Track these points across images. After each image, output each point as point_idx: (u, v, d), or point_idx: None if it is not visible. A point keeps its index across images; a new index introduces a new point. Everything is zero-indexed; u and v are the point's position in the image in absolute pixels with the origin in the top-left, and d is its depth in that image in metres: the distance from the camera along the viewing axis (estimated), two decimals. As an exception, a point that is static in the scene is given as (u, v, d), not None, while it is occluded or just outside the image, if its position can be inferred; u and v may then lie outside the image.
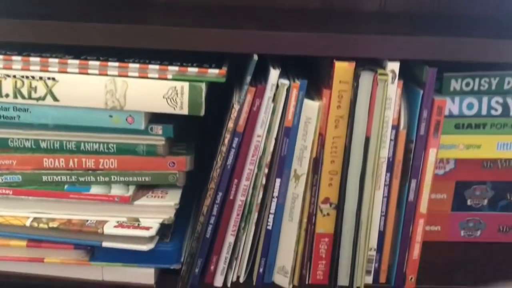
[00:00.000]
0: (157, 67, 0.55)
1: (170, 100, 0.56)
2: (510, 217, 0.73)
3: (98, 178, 0.61)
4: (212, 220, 0.60)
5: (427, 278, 0.65)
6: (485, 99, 0.65)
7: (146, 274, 0.62)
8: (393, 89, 0.57)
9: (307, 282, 0.63)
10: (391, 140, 0.59)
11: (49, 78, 0.56)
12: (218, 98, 0.62)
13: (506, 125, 0.65)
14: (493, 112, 0.65)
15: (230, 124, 0.55)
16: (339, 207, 0.60)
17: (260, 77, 0.59)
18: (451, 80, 0.65)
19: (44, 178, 0.61)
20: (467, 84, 0.65)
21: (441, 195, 0.73)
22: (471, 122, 0.65)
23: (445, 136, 0.64)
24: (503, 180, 0.71)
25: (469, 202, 0.73)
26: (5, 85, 0.56)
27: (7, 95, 0.56)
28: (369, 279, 0.63)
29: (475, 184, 0.72)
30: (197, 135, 0.70)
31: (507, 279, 0.66)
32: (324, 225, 0.61)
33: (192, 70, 0.55)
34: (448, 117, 0.65)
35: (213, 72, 0.56)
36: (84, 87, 0.56)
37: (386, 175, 0.60)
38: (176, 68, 0.55)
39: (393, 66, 0.56)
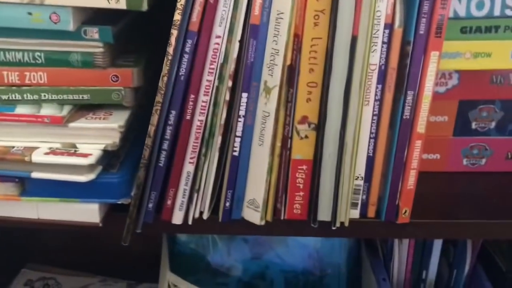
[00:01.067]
0: None
1: (102, -10, 0.44)
2: (521, 142, 0.63)
3: (25, 95, 0.50)
4: (165, 146, 0.50)
5: (423, 212, 0.55)
6: (498, -4, 0.54)
7: (90, 210, 0.52)
8: (387, -26, 0.45)
9: (282, 217, 0.54)
10: (383, 43, 0.48)
11: None
12: None
13: (523, 28, 0.54)
14: (508, 13, 0.54)
15: (177, 16, 0.44)
16: (320, 128, 0.50)
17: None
18: (457, -28, 0.53)
19: (-43, 96, 0.50)
20: (478, -23, 0.53)
21: (441, 117, 0.62)
22: (480, 25, 0.54)
23: (449, 42, 0.53)
24: (515, 98, 0.61)
25: (473, 125, 0.63)
26: None
27: None
28: (355, 213, 0.54)
29: (482, 104, 0.62)
30: (158, 49, 0.59)
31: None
32: (302, 149, 0.51)
33: None
34: (452, 19, 0.54)
35: (156, -49, 0.43)
36: (-9, -26, 0.44)
37: (377, 87, 0.49)
38: None
39: None
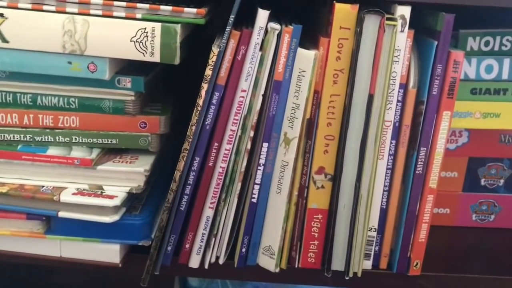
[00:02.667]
0: (124, 3, 0.47)
1: (139, 44, 0.47)
2: (529, 200, 0.65)
3: (57, 138, 0.53)
4: (187, 190, 0.52)
5: (433, 265, 0.57)
6: (506, 61, 0.57)
7: (111, 251, 0.53)
8: (403, 39, 0.48)
9: (296, 266, 0.55)
10: (398, 101, 0.51)
11: (-4, 15, 0.47)
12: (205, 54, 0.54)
13: (530, 91, 0.57)
14: (515, 77, 0.57)
15: (208, 72, 0.47)
16: (336, 179, 0.52)
17: (248, 25, 0.50)
18: (468, 38, 0.57)
19: (-6, 136, 0.53)
20: (487, 43, 0.57)
21: (452, 173, 0.64)
22: (489, 87, 0.57)
23: (460, 103, 0.56)
24: (523, 157, 0.63)
25: (482, 182, 0.65)
26: None
27: None
28: (368, 264, 0.55)
29: (491, 162, 0.64)
30: (180, 97, 0.62)
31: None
32: (318, 199, 0.53)
33: (165, 8, 0.47)
34: (463, 80, 0.57)
35: (190, 12, 0.47)
36: (38, 27, 0.47)
37: (391, 142, 0.51)
38: (146, 6, 0.47)
39: (404, 11, 0.47)
